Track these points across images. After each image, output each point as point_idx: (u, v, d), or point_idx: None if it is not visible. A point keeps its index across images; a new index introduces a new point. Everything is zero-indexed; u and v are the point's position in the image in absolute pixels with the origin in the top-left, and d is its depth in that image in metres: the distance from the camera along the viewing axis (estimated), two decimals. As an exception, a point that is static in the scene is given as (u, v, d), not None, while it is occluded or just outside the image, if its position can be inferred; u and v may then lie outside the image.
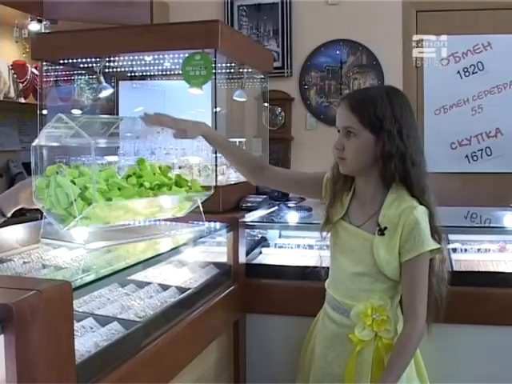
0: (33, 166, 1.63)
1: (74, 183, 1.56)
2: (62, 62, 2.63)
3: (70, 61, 2.62)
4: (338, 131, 1.61)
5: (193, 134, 1.77)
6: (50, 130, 1.63)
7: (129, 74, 2.92)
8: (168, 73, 2.80)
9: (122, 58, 2.63)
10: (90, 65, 2.67)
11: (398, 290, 1.62)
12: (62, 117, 1.58)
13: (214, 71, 2.28)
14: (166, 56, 2.54)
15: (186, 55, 2.32)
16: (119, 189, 1.63)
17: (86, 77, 2.90)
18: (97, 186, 1.54)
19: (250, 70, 2.87)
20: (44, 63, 2.63)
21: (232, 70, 2.77)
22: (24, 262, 1.51)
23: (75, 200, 1.50)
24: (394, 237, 1.56)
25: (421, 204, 1.57)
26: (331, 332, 1.68)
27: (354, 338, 1.59)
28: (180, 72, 2.36)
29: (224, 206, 2.25)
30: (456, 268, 2.09)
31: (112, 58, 2.62)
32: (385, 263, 1.57)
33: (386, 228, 1.57)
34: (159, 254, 1.65)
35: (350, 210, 1.67)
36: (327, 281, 1.74)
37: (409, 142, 1.55)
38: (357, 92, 1.79)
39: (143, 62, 2.67)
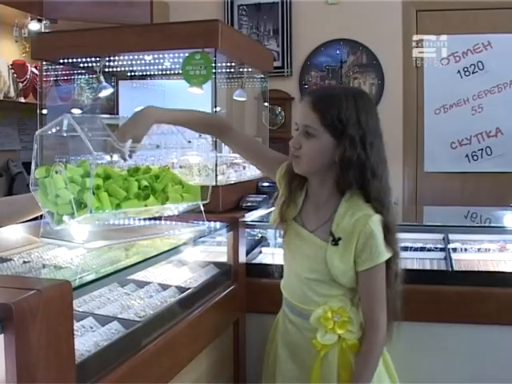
0: (34, 154, 1.62)
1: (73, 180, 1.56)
2: (61, 61, 2.63)
3: (70, 60, 2.62)
4: (297, 130, 1.53)
5: (144, 131, 1.59)
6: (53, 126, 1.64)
7: (129, 74, 2.93)
8: (168, 72, 2.80)
9: (122, 58, 2.63)
10: (90, 64, 2.67)
11: (357, 291, 1.56)
12: (69, 117, 1.58)
13: (213, 71, 2.28)
14: (165, 55, 2.54)
15: (186, 55, 2.32)
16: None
17: (86, 76, 2.91)
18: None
19: (249, 70, 2.87)
20: (44, 63, 2.64)
21: (232, 70, 2.78)
22: (24, 262, 1.50)
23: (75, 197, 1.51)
24: (348, 247, 1.49)
25: (377, 212, 1.49)
26: (294, 336, 1.63)
27: (318, 344, 1.53)
28: (180, 71, 2.36)
29: (224, 206, 2.25)
30: (456, 268, 2.09)
31: (112, 58, 2.63)
32: (340, 273, 1.52)
33: (340, 238, 1.50)
34: (159, 254, 1.64)
35: (303, 212, 1.60)
36: (282, 282, 1.69)
37: (371, 151, 1.46)
38: (322, 89, 1.67)
39: (143, 62, 2.68)
